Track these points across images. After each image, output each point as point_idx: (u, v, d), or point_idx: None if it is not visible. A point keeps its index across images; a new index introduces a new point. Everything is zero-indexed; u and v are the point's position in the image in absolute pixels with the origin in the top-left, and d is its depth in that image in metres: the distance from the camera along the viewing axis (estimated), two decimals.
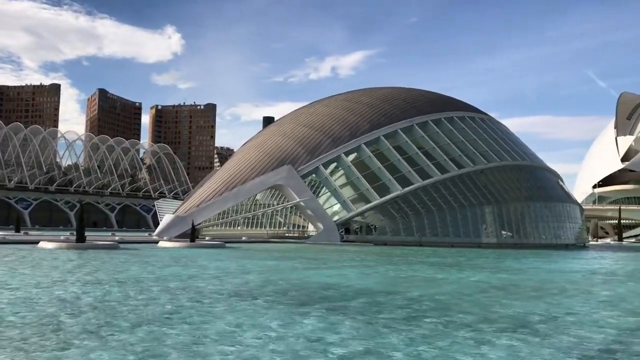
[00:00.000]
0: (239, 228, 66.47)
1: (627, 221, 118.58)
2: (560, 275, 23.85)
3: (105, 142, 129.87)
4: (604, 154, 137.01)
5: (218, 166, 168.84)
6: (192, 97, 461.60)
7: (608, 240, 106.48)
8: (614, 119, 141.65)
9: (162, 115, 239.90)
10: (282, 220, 70.78)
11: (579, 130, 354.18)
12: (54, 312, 10.75)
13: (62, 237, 40.87)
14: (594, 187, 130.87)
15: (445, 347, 8.51)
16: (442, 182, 54.21)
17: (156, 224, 67.49)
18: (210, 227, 57.04)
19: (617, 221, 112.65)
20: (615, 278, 23.53)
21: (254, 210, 64.40)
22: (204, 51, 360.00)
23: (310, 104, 69.46)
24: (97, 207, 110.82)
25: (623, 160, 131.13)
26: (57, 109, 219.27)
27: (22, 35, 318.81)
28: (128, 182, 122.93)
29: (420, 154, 55.66)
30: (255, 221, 70.09)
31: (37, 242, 35.77)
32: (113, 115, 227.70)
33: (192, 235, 42.56)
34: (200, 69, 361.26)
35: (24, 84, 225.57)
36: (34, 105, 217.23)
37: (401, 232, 53.43)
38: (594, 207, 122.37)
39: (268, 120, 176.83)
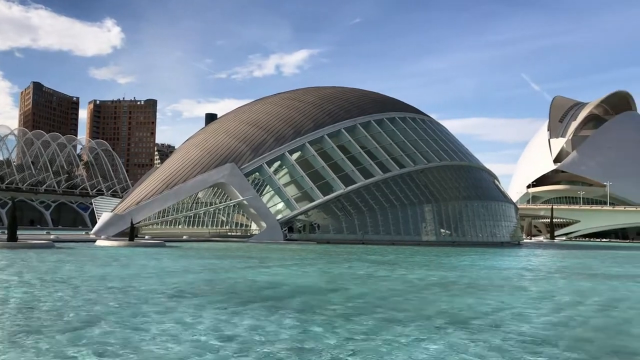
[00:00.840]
0: (179, 227, 65.27)
1: (558, 220, 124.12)
2: (494, 272, 24.66)
3: (40, 137, 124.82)
4: (538, 155, 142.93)
5: (158, 163, 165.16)
6: (132, 92, 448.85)
7: (541, 238, 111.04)
8: (547, 121, 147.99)
9: (100, 111, 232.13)
10: (224, 219, 69.95)
11: (514, 132, 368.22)
12: None
13: None
14: (528, 187, 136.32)
15: (381, 344, 8.61)
16: (384, 181, 55.07)
17: (94, 222, 65.47)
18: (150, 226, 55.81)
19: (549, 220, 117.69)
20: (546, 274, 24.56)
21: (195, 209, 63.40)
22: (145, 46, 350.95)
23: (254, 101, 69.04)
24: (31, 204, 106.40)
25: (555, 161, 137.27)
26: None
27: None
28: (64, 179, 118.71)
29: (364, 153, 56.35)
30: (197, 220, 68.97)
31: None
32: (49, 110, 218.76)
33: (131, 234, 41.50)
34: (140, 63, 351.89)
35: None
36: None
37: (344, 231, 53.93)
38: (528, 206, 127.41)
39: (211, 117, 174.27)
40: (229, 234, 65.08)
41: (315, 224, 55.94)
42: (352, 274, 21.12)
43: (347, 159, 55.61)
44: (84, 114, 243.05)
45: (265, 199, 57.82)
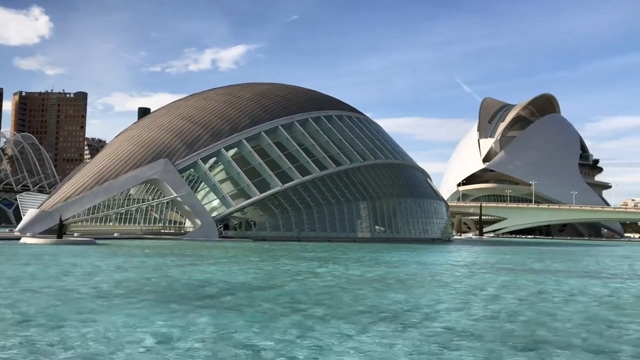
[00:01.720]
0: (110, 224, 63.35)
1: (487, 217, 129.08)
2: (425, 267, 25.39)
3: None
4: (468, 155, 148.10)
5: (88, 158, 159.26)
6: (61, 84, 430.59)
7: (470, 235, 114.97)
8: (477, 122, 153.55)
9: (26, 103, 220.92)
10: (157, 216, 68.42)
11: (446, 132, 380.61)
12: None
13: None
14: (459, 185, 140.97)
15: (317, 339, 8.73)
16: (321, 179, 55.47)
17: (19, 219, 62.38)
18: (80, 223, 53.81)
19: (478, 217, 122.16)
20: (473, 270, 25.53)
21: (127, 206, 61.65)
22: (76, 36, 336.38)
23: (189, 96, 67.77)
24: None
25: (484, 160, 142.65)
26: None
27: None
28: None
29: (301, 150, 56.52)
30: (128, 217, 67.15)
31: None
32: None
33: (60, 231, 39.89)
34: (70, 54, 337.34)
35: None
36: None
37: (280, 228, 53.93)
38: (458, 204, 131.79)
39: (144, 112, 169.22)
40: (162, 231, 63.70)
41: (251, 221, 55.66)
42: (286, 271, 21.20)
43: (284, 156, 55.59)
44: (8, 106, 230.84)
45: (200, 195, 56.92)
